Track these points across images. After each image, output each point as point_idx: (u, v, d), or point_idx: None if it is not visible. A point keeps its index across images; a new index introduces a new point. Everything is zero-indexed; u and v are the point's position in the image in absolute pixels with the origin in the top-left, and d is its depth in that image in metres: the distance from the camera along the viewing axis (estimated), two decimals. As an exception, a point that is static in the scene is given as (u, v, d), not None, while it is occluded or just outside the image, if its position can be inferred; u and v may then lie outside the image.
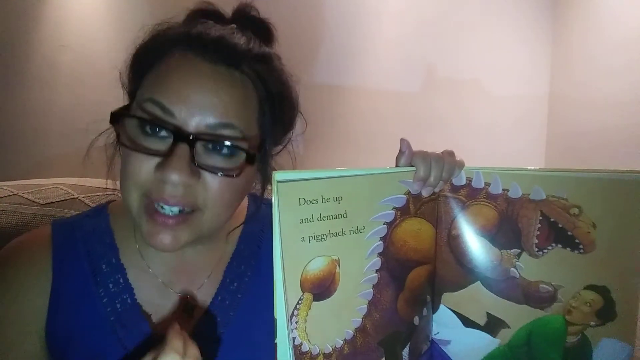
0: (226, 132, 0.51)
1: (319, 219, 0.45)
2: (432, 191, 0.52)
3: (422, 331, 0.55)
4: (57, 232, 0.60)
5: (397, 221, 0.50)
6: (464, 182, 0.53)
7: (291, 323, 0.44)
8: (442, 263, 0.55)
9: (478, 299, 0.54)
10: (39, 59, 1.63)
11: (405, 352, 0.53)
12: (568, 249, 0.53)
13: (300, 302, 0.45)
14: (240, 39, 0.54)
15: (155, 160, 0.49)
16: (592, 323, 0.54)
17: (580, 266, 0.53)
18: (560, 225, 0.52)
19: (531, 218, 0.52)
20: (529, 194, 0.52)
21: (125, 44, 0.57)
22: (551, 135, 1.47)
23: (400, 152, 0.52)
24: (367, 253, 0.49)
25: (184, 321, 0.59)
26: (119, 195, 0.53)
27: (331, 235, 0.46)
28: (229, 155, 0.51)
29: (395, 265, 0.51)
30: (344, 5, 1.53)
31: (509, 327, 0.54)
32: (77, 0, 1.61)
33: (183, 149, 0.48)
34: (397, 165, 0.52)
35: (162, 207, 0.50)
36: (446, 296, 0.56)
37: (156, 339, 0.55)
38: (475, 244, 0.54)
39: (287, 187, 0.43)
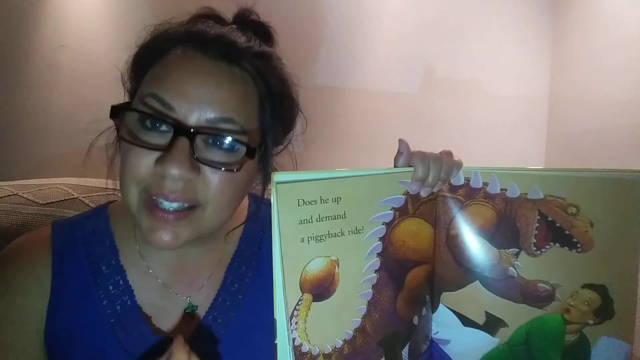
0: (226, 126, 0.51)
1: (318, 219, 0.45)
2: (431, 191, 0.53)
3: (421, 331, 0.55)
4: (57, 232, 0.60)
5: (396, 221, 0.51)
6: (462, 182, 0.53)
7: (291, 324, 0.44)
8: (441, 263, 0.55)
9: (477, 298, 0.54)
10: (39, 59, 1.63)
11: (405, 352, 0.53)
12: (566, 248, 0.53)
13: (299, 302, 0.45)
14: (240, 37, 0.54)
15: (155, 154, 0.49)
16: (590, 321, 0.54)
17: (578, 265, 0.53)
18: (558, 225, 0.53)
19: (529, 217, 0.53)
20: (526, 194, 0.52)
21: (125, 44, 0.57)
22: (551, 135, 1.47)
23: (399, 153, 0.52)
24: (366, 253, 0.49)
25: (185, 322, 0.59)
26: (119, 195, 0.53)
27: (330, 235, 0.46)
28: (229, 149, 0.51)
29: (394, 266, 0.51)
30: (344, 5, 1.53)
31: (507, 326, 0.54)
32: (77, 0, 1.62)
33: (183, 142, 0.48)
34: (395, 166, 0.52)
35: (161, 203, 0.50)
36: (445, 296, 0.56)
37: (156, 342, 0.56)
38: (473, 244, 0.54)
39: (286, 188, 0.43)
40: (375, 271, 0.50)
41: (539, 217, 0.53)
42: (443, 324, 0.56)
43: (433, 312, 0.56)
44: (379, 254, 0.50)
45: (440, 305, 0.56)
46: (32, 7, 1.62)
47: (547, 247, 0.53)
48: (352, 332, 0.49)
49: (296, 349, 0.45)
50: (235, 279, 0.63)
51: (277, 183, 0.43)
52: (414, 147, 0.52)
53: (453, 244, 0.54)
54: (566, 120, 1.40)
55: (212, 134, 0.50)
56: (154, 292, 0.59)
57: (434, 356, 0.57)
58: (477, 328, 0.55)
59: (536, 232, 0.53)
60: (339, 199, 0.46)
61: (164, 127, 0.50)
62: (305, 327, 0.45)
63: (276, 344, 0.44)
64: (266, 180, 0.60)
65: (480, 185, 0.53)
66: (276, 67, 0.57)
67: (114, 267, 0.59)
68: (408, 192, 0.51)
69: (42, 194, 0.97)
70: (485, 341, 0.55)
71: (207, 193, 0.51)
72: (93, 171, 0.78)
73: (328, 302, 0.47)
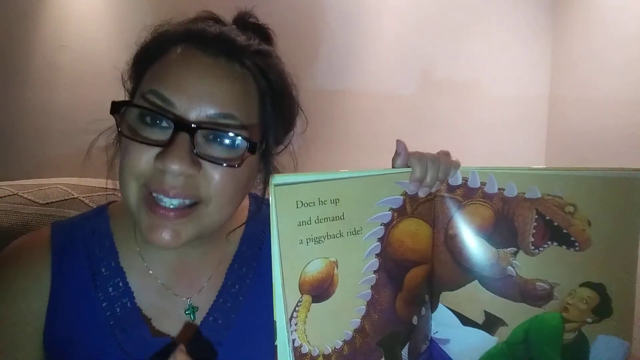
0: (227, 122, 0.51)
1: (317, 221, 0.45)
2: (429, 191, 0.53)
3: (421, 330, 0.55)
4: (57, 233, 0.60)
5: (394, 222, 0.51)
6: (460, 182, 0.53)
7: (291, 325, 0.45)
8: (440, 263, 0.55)
9: (476, 297, 0.55)
10: (39, 59, 1.64)
11: (405, 352, 0.53)
12: (564, 246, 0.53)
13: (299, 304, 0.45)
14: (240, 36, 0.55)
15: (155, 150, 0.49)
16: (589, 320, 0.54)
17: (576, 264, 0.53)
18: (555, 224, 0.53)
19: (527, 217, 0.53)
20: (524, 193, 0.53)
21: (125, 44, 0.57)
22: (551, 135, 1.47)
23: (396, 153, 0.52)
24: (365, 254, 0.49)
25: (185, 324, 0.59)
26: (119, 195, 0.53)
27: (329, 237, 0.46)
28: (230, 145, 0.51)
29: (393, 266, 0.51)
30: (344, 5, 1.54)
31: (506, 325, 0.55)
32: (77, 0, 1.62)
33: (183, 138, 0.48)
34: (393, 167, 0.52)
35: (161, 200, 0.49)
36: (444, 295, 0.56)
37: (159, 349, 0.56)
38: (472, 243, 0.54)
39: (284, 191, 0.43)
40: (374, 272, 0.50)
41: (536, 216, 0.53)
42: (442, 323, 0.56)
43: (432, 312, 0.56)
44: (377, 255, 0.50)
45: (440, 305, 0.56)
46: (32, 7, 1.63)
47: (545, 246, 0.53)
48: (351, 333, 0.49)
49: (296, 350, 0.45)
50: (236, 280, 0.62)
51: (275, 185, 0.43)
52: (414, 147, 0.52)
53: (451, 243, 0.54)
54: (566, 120, 1.40)
55: (213, 129, 0.50)
56: (154, 293, 0.59)
57: (434, 356, 0.57)
58: (476, 327, 0.55)
59: (534, 231, 0.53)
60: (337, 200, 0.46)
61: (164, 123, 0.50)
62: (304, 328, 0.45)
63: (276, 345, 0.44)
64: (267, 179, 0.59)
65: (478, 185, 0.53)
66: (276, 65, 0.58)
67: (114, 269, 0.58)
68: (406, 192, 0.51)
69: (42, 194, 0.98)
70: (484, 340, 0.55)
71: (209, 189, 0.51)
72: (93, 171, 0.78)
73: (327, 303, 0.47)
